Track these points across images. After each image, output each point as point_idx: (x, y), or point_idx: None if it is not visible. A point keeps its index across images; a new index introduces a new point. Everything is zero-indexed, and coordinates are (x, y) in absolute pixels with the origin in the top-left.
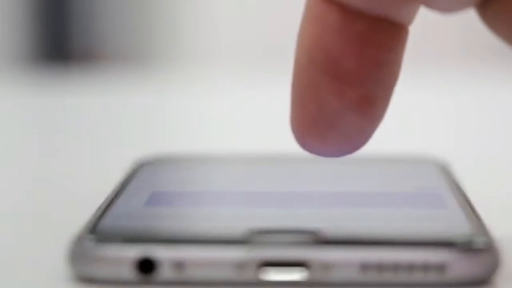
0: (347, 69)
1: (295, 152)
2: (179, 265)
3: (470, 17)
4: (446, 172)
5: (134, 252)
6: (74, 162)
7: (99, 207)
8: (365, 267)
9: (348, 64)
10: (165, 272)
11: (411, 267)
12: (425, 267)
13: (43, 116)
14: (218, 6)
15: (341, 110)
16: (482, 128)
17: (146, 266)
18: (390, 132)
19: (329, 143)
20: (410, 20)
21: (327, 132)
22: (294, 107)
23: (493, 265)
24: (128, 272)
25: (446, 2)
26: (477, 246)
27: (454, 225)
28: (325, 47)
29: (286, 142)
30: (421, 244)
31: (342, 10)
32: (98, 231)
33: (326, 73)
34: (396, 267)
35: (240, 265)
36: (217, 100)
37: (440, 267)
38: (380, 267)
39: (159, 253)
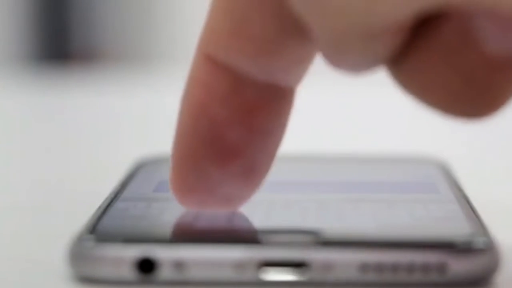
0: (232, 141)
1: (295, 152)
2: (179, 265)
3: None
4: (446, 172)
5: (134, 252)
6: (74, 161)
7: (99, 207)
8: (365, 267)
9: (233, 136)
10: (165, 272)
11: (411, 268)
12: (425, 267)
13: (43, 116)
14: None
15: (221, 181)
16: (482, 129)
17: (146, 266)
18: (390, 133)
19: (208, 206)
20: (299, 81)
21: (206, 198)
22: (173, 171)
23: (493, 265)
24: (128, 272)
25: (350, 63)
26: (477, 246)
27: (454, 225)
28: (210, 116)
29: (286, 141)
30: (421, 244)
31: (231, 76)
32: (98, 231)
33: (209, 145)
34: (396, 267)
35: (240, 265)
36: None
37: (440, 267)
38: (380, 267)
39: (159, 253)
